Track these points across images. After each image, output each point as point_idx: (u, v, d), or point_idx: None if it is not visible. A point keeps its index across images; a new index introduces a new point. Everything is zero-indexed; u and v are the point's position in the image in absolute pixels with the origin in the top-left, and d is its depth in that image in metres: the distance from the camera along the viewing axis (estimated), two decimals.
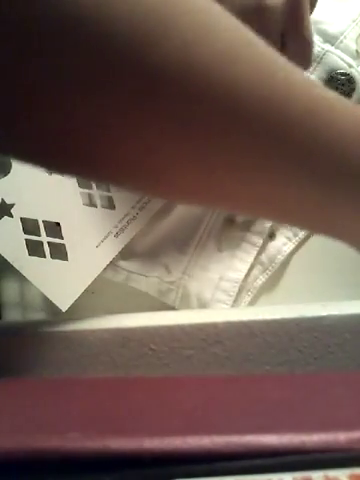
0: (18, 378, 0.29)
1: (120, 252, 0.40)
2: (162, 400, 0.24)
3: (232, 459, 0.20)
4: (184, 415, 0.23)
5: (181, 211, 0.41)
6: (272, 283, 0.42)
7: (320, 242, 0.42)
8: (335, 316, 0.29)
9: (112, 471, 0.20)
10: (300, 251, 0.42)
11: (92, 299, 0.41)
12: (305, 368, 0.30)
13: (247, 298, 0.41)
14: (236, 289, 0.40)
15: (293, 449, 0.20)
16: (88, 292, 0.40)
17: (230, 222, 0.41)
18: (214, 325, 0.29)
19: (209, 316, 0.30)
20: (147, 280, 0.41)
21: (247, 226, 0.41)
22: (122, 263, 0.41)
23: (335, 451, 0.20)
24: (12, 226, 0.40)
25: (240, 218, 0.41)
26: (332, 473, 0.19)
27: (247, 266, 0.40)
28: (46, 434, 0.21)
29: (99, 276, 0.40)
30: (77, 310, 0.40)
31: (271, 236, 0.42)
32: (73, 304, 0.41)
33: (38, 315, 0.39)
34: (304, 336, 0.29)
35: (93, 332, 0.29)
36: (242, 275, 0.40)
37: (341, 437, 0.20)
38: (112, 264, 0.41)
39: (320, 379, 0.26)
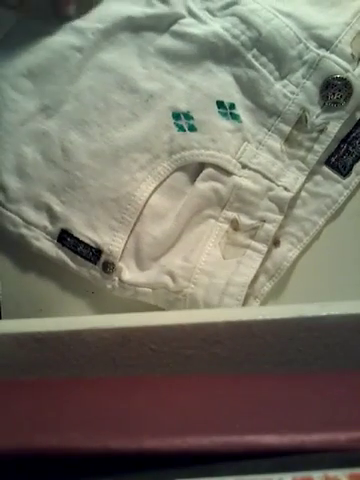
0: (18, 378, 0.29)
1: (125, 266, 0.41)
2: (162, 400, 0.24)
3: (232, 459, 0.20)
4: (184, 415, 0.23)
5: (184, 220, 0.41)
6: (279, 289, 0.42)
7: (323, 245, 0.42)
8: (335, 316, 0.29)
9: (112, 471, 0.20)
10: (305, 255, 0.42)
11: (92, 299, 0.41)
12: (305, 368, 0.30)
13: (255, 304, 0.41)
14: (243, 293, 0.40)
15: (293, 449, 0.20)
16: (88, 292, 0.40)
17: (234, 230, 0.41)
18: (214, 325, 0.29)
19: (209, 316, 0.30)
20: (154, 292, 0.40)
21: (251, 234, 0.41)
22: (128, 278, 0.40)
23: (335, 451, 0.20)
24: None
25: (244, 226, 0.41)
26: (332, 473, 0.19)
27: (253, 271, 0.40)
28: (46, 434, 0.21)
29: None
30: (77, 310, 0.40)
31: (275, 243, 0.41)
32: (73, 304, 0.41)
33: (38, 315, 0.39)
34: (304, 336, 0.29)
35: (93, 332, 0.29)
36: (249, 279, 0.40)
37: (341, 437, 0.20)
38: (119, 281, 0.40)
39: (320, 379, 0.26)
